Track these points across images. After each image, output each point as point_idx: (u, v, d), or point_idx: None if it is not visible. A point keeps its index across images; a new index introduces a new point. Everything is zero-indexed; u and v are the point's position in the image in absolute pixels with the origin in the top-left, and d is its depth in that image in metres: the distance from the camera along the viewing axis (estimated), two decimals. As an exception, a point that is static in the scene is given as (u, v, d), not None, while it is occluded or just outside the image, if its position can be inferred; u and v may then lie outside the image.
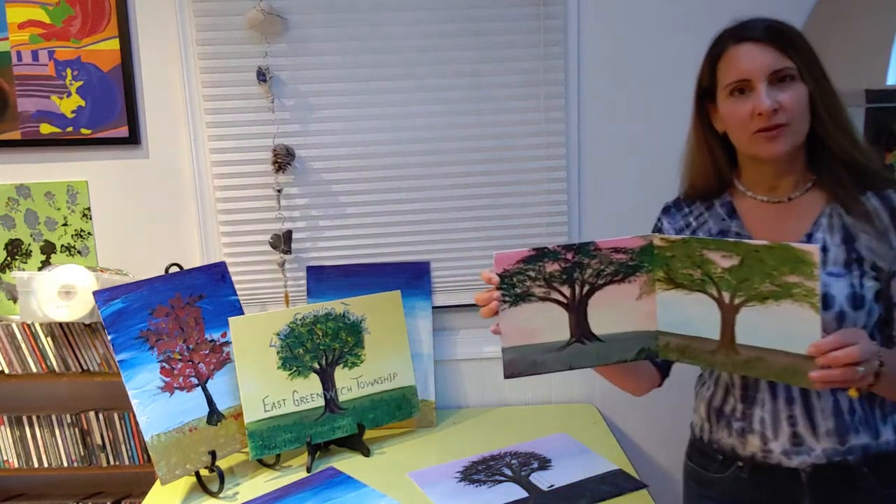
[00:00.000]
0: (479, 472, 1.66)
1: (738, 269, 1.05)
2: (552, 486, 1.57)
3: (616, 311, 1.14)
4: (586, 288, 1.14)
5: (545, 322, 1.13)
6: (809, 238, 1.13)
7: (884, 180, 1.13)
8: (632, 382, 1.30)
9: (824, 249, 1.11)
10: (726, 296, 1.07)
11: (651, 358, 1.17)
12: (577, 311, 1.14)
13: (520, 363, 1.14)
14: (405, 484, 1.61)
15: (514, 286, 1.12)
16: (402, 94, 1.95)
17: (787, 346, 1.01)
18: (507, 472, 1.65)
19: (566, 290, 1.13)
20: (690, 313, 1.11)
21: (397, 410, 1.85)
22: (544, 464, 1.68)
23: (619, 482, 1.58)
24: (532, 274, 1.12)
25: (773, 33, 1.10)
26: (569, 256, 1.12)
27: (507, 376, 1.14)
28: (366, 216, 2.00)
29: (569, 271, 1.13)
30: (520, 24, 1.93)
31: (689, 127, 1.24)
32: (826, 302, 1.07)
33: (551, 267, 1.12)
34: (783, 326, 1.01)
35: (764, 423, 1.17)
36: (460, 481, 1.61)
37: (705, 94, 1.20)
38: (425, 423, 1.94)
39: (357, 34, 1.92)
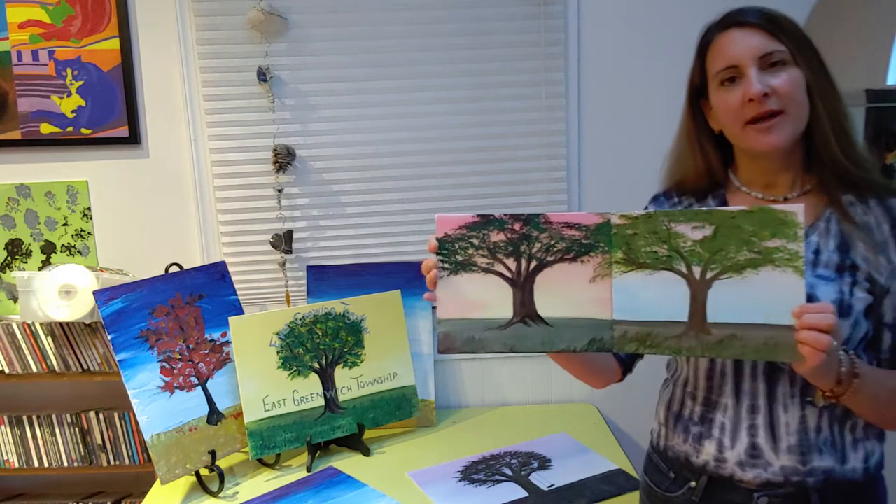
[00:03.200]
0: (479, 471, 1.66)
1: (711, 240, 0.98)
2: (552, 485, 1.57)
3: (566, 292, 1.05)
4: (534, 263, 1.06)
5: (487, 296, 1.06)
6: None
7: (881, 189, 1.06)
8: (587, 374, 1.22)
9: (816, 252, 1.06)
10: (697, 270, 0.99)
11: (603, 350, 1.06)
12: (523, 287, 1.06)
13: (456, 338, 1.06)
14: (405, 484, 1.61)
15: (455, 253, 1.06)
16: (403, 93, 1.95)
17: (766, 318, 0.94)
18: (507, 471, 1.65)
19: (511, 263, 1.06)
20: (654, 295, 1.02)
21: (397, 410, 1.85)
22: (544, 463, 1.68)
23: (618, 482, 1.58)
24: (475, 242, 1.06)
25: (760, 17, 1.05)
26: (516, 227, 1.05)
27: (440, 351, 1.08)
28: (366, 216, 2.00)
29: (515, 243, 1.05)
30: (520, 24, 1.93)
31: (680, 126, 1.19)
32: (810, 302, 1.01)
33: (497, 237, 1.05)
34: (762, 296, 0.94)
35: (723, 429, 1.10)
36: (460, 481, 1.61)
37: (698, 93, 1.14)
38: (425, 422, 1.94)
39: (357, 34, 1.92)
